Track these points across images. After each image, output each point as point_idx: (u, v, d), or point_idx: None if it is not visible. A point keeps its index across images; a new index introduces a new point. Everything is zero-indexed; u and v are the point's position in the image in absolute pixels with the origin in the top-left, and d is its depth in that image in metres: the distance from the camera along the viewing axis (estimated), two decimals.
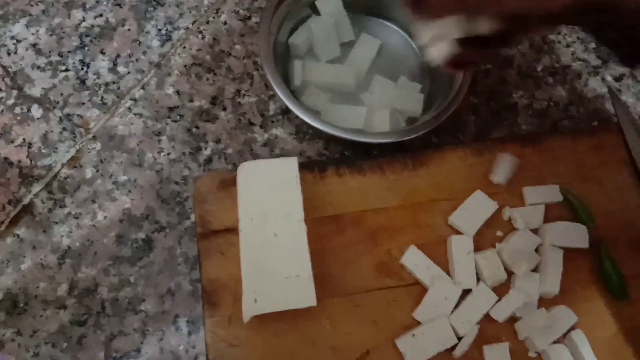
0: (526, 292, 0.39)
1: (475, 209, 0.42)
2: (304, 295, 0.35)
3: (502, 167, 0.43)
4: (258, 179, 0.37)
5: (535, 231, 0.42)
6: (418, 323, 0.39)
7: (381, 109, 0.44)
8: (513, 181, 0.43)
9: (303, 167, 0.42)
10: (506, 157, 0.43)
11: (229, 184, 0.41)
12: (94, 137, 0.45)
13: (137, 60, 0.47)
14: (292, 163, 0.38)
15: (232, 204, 0.40)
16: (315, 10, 0.47)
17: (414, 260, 0.40)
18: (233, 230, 0.39)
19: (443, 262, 0.41)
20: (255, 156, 0.45)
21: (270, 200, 0.37)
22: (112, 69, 0.47)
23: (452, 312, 0.39)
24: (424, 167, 0.44)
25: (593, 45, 0.53)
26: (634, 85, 0.52)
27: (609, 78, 0.52)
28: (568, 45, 0.52)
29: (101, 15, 0.49)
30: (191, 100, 0.46)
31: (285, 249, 0.36)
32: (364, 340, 0.39)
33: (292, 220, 0.37)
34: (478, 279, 0.40)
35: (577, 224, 0.42)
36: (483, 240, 0.42)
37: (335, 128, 0.41)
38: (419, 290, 0.40)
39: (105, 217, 0.42)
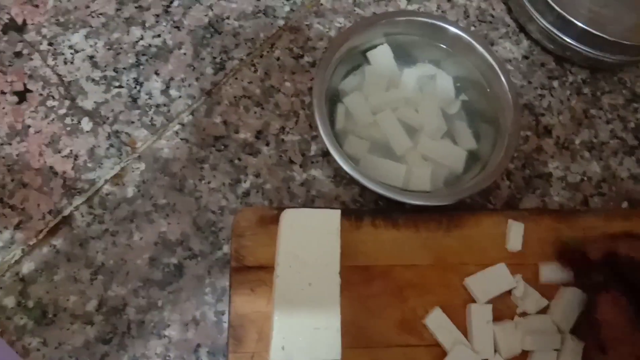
0: None
1: (494, 280, 0.42)
2: (331, 348, 0.36)
3: (513, 235, 0.44)
4: (300, 226, 0.38)
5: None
6: None
7: (422, 166, 0.45)
8: (542, 253, 0.44)
9: (341, 213, 0.43)
10: (513, 224, 0.44)
11: (267, 221, 0.42)
12: (139, 157, 0.46)
13: (189, 85, 0.48)
14: (335, 215, 0.39)
15: (268, 241, 0.41)
16: (368, 60, 0.48)
17: (438, 323, 0.41)
18: (266, 269, 0.40)
19: (465, 326, 0.41)
20: (292, 195, 0.46)
21: (309, 249, 0.37)
22: (164, 91, 0.48)
23: None
24: (457, 229, 0.44)
25: (632, 125, 0.54)
26: None
27: None
28: (608, 122, 0.53)
29: (159, 35, 0.50)
30: (237, 132, 0.47)
31: (317, 299, 0.37)
32: None
33: (328, 271, 0.37)
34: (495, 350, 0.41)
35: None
36: (504, 308, 0.42)
37: (372, 182, 0.42)
38: (438, 352, 0.41)
39: (141, 238, 0.43)
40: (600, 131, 0.53)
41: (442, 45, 0.49)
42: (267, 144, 0.47)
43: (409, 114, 0.47)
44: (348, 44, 0.46)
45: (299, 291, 0.37)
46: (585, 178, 0.51)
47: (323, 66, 0.44)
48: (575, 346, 0.41)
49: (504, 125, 0.46)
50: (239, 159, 0.47)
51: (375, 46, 0.48)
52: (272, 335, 0.36)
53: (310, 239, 0.38)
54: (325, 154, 0.48)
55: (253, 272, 0.41)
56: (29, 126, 0.45)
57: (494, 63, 0.47)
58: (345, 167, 0.42)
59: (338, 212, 0.39)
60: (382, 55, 0.47)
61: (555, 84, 0.54)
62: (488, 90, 0.48)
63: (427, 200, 0.42)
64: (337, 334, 0.36)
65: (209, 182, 0.45)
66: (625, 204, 0.50)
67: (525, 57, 0.55)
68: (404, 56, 0.48)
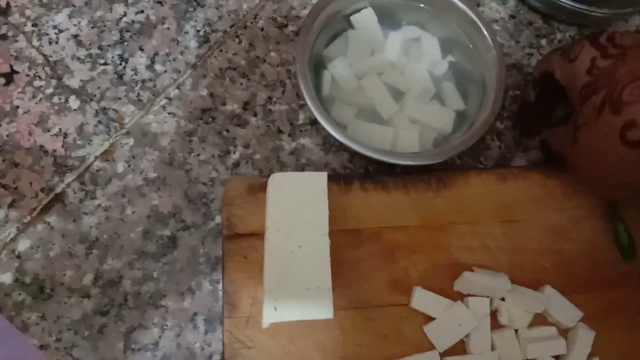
0: None
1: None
2: (323, 308, 0.36)
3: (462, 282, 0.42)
4: (288, 190, 0.38)
5: None
6: (427, 341, 0.40)
7: (410, 128, 0.45)
8: (533, 209, 0.44)
9: (330, 179, 0.43)
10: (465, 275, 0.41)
11: (256, 189, 0.42)
12: (128, 133, 0.46)
13: (174, 59, 0.49)
14: (322, 177, 0.39)
15: (258, 209, 0.41)
16: (351, 24, 0.48)
17: (424, 302, 0.41)
18: (257, 235, 0.40)
19: (450, 285, 0.42)
20: (282, 164, 0.46)
21: (297, 212, 0.38)
22: (150, 67, 0.48)
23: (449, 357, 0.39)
24: (447, 189, 0.45)
25: None
26: None
27: None
28: None
29: (142, 11, 0.50)
30: (224, 104, 0.47)
31: (308, 261, 0.37)
32: (373, 354, 0.40)
33: (317, 233, 0.38)
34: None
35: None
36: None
37: (362, 146, 0.42)
38: None
39: (133, 212, 0.44)
40: None
41: (426, 7, 0.49)
42: (255, 115, 0.47)
43: (395, 77, 0.47)
44: (330, 8, 0.45)
45: (289, 253, 0.37)
46: None
47: (304, 32, 0.44)
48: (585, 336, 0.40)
49: (491, 84, 0.46)
50: (227, 131, 0.47)
51: (358, 10, 0.47)
52: (264, 297, 0.36)
53: (298, 202, 0.38)
54: (314, 122, 0.48)
55: (245, 239, 0.41)
56: (17, 107, 0.46)
57: (479, 22, 0.47)
58: (333, 133, 0.42)
59: (324, 175, 0.39)
60: (366, 19, 0.47)
61: (544, 42, 0.54)
62: (474, 50, 0.48)
63: (414, 160, 0.42)
64: (328, 294, 0.37)
65: (198, 155, 0.46)
66: None
67: (512, 17, 0.54)
68: (388, 19, 0.48)
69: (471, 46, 0.47)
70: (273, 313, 0.36)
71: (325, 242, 0.37)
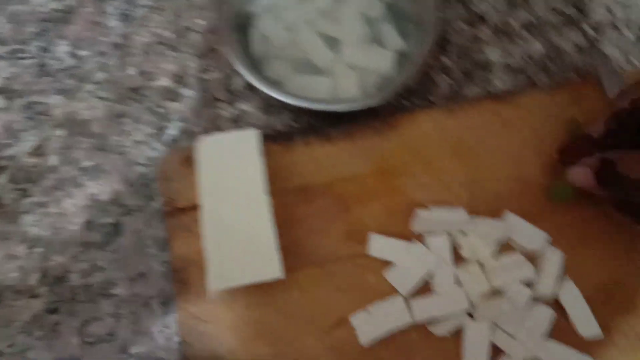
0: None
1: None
2: (270, 268, 0.35)
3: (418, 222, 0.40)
4: (218, 153, 0.36)
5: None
6: (390, 287, 0.38)
7: (349, 75, 0.43)
8: (486, 138, 0.42)
9: (270, 138, 0.41)
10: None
11: (192, 161, 0.40)
12: (57, 124, 0.44)
13: (97, 42, 0.46)
14: (253, 135, 0.37)
15: (197, 181, 0.39)
16: None
17: (381, 248, 0.39)
18: (199, 207, 0.39)
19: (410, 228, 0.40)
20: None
21: (231, 173, 0.36)
22: (73, 54, 0.46)
23: (413, 299, 0.37)
24: (395, 132, 0.42)
25: None
26: (613, 34, 0.50)
27: (587, 29, 0.50)
28: None
29: None
30: (154, 80, 0.45)
31: (248, 223, 0.35)
32: (338, 308, 0.38)
33: (254, 192, 0.36)
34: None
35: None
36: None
37: (299, 99, 0.40)
38: None
39: (72, 204, 0.42)
40: (537, 8, 0.50)
41: None
42: (188, 86, 0.45)
43: (327, 25, 0.44)
44: None
45: (227, 217, 0.35)
46: (528, 58, 0.48)
47: None
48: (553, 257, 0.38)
49: (428, 19, 0.43)
50: (161, 107, 0.45)
51: None
52: (207, 265, 0.34)
53: (230, 164, 0.36)
54: (250, 85, 0.45)
55: (187, 213, 0.39)
56: None
57: None
58: (266, 90, 0.40)
59: (254, 132, 0.37)
60: None
61: None
62: None
63: (351, 105, 0.40)
64: (274, 252, 0.35)
65: (132, 136, 0.44)
66: (573, 77, 0.48)
67: None
68: None
69: None
70: (219, 280, 0.34)
71: (264, 201, 0.35)
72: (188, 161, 0.40)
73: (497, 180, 0.41)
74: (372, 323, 0.36)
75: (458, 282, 0.37)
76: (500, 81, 0.47)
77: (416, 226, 0.39)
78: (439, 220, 0.38)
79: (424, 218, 0.38)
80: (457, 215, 0.38)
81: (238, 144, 0.36)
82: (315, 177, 0.41)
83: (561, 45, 0.49)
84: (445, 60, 0.48)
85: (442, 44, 0.48)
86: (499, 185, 0.41)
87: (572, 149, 0.40)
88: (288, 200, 0.40)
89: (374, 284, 0.38)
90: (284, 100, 0.40)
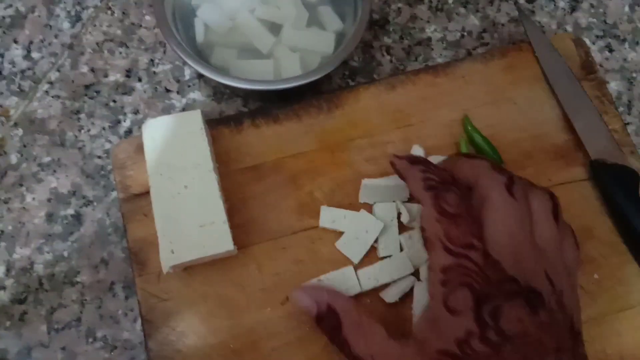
0: None
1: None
2: (221, 241, 0.36)
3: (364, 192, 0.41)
4: (163, 134, 0.38)
5: None
6: (344, 258, 0.40)
7: (290, 57, 0.45)
8: (426, 109, 0.44)
9: (219, 122, 0.43)
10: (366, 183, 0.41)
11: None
12: (15, 124, 0.45)
13: (49, 44, 0.48)
14: (196, 115, 0.39)
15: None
16: None
17: (331, 219, 0.40)
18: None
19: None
20: None
21: (177, 153, 0.38)
22: (26, 56, 0.48)
23: (363, 268, 0.39)
24: (339, 109, 0.44)
25: None
26: (546, 4, 0.52)
27: (521, 0, 0.52)
28: None
29: (11, 5, 0.49)
30: (106, 76, 0.47)
31: (197, 199, 0.37)
32: (292, 279, 0.40)
33: (201, 170, 0.37)
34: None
35: None
36: None
37: (242, 81, 0.42)
38: None
39: (33, 199, 0.43)
40: None
41: None
42: (140, 80, 0.47)
43: (268, 11, 0.46)
44: None
45: (176, 195, 0.37)
46: (465, 33, 0.51)
47: None
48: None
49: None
50: (114, 101, 0.46)
51: None
52: (159, 242, 0.36)
53: (176, 144, 0.38)
54: (200, 74, 0.47)
55: (142, 198, 0.41)
56: None
57: None
58: (212, 76, 0.42)
59: (198, 111, 0.39)
60: None
61: None
62: None
63: (294, 81, 0.41)
64: (224, 226, 0.37)
65: (88, 130, 0.45)
66: (510, 46, 0.50)
67: None
68: None
69: None
70: (170, 256, 0.36)
71: (212, 178, 0.37)
72: (140, 149, 0.41)
73: (437, 148, 0.43)
74: None
75: (401, 248, 0.40)
76: (439, 56, 0.49)
77: (364, 197, 0.41)
78: (383, 188, 0.40)
79: (369, 187, 0.40)
80: (399, 183, 0.40)
81: (183, 125, 0.38)
82: (266, 156, 0.43)
83: (496, 18, 0.51)
84: (387, 39, 0.50)
85: (383, 25, 0.50)
86: (439, 152, 0.43)
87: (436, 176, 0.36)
88: (241, 180, 0.42)
89: (327, 255, 0.40)
90: (229, 84, 0.42)
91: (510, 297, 0.29)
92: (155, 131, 0.38)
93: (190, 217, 0.36)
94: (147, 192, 0.40)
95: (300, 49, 0.46)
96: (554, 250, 0.31)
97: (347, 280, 0.39)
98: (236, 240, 0.38)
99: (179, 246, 0.36)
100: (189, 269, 0.39)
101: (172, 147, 0.38)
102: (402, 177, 0.35)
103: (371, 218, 0.40)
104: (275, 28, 0.46)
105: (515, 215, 0.31)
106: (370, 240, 0.40)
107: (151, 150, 0.37)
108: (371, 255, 0.40)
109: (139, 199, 0.41)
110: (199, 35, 0.45)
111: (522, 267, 0.30)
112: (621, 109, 0.49)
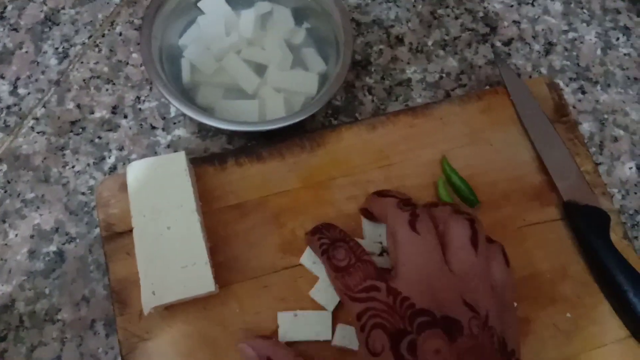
0: None
1: None
2: (203, 282, 0.37)
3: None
4: (147, 176, 0.38)
5: None
6: None
7: (275, 97, 0.46)
8: (406, 149, 0.46)
9: (203, 161, 0.44)
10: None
11: None
12: (0, 160, 0.46)
13: (36, 80, 0.49)
14: (180, 157, 0.39)
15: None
16: (201, 10, 0.48)
17: (312, 260, 0.41)
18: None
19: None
20: None
21: (160, 195, 0.38)
22: (13, 92, 0.48)
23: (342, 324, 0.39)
24: (321, 148, 0.46)
25: (481, 14, 0.55)
26: (522, 47, 0.54)
27: (498, 43, 0.54)
28: (457, 17, 0.55)
29: None
30: (92, 112, 0.48)
31: (179, 240, 0.37)
32: (273, 318, 0.40)
33: (184, 211, 0.38)
34: None
35: None
36: None
37: (227, 122, 0.42)
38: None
39: (16, 235, 0.44)
40: (450, 28, 0.54)
41: None
42: (125, 117, 0.48)
43: (253, 52, 0.48)
44: None
45: (159, 237, 0.37)
46: (444, 74, 0.52)
47: (147, 25, 0.44)
48: None
49: (342, 42, 0.47)
50: (99, 137, 0.47)
51: None
52: (141, 283, 0.36)
53: (160, 185, 0.38)
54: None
55: (125, 236, 0.41)
56: None
57: None
58: (195, 117, 0.42)
59: (182, 153, 0.40)
60: (213, 3, 0.48)
61: None
62: (324, 13, 0.48)
63: (278, 123, 0.43)
64: (206, 267, 0.37)
65: (73, 167, 0.46)
66: (487, 89, 0.52)
67: None
68: None
69: (320, 10, 0.48)
70: (152, 297, 0.36)
71: (195, 219, 0.38)
72: (124, 187, 0.42)
73: (418, 187, 0.45)
74: (295, 326, 0.39)
75: None
76: (419, 97, 0.51)
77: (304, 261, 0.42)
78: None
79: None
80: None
81: (166, 166, 0.39)
82: (249, 195, 0.43)
83: (474, 60, 0.53)
84: (368, 80, 0.51)
85: (365, 65, 0.52)
86: (418, 191, 0.44)
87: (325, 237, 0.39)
88: (224, 219, 0.42)
89: (308, 294, 0.41)
90: (214, 125, 0.43)
91: (424, 329, 0.30)
92: (139, 172, 0.38)
93: (172, 258, 0.37)
94: (131, 231, 0.41)
95: (284, 89, 0.47)
96: (475, 275, 0.33)
97: (321, 323, 0.39)
98: (218, 278, 0.38)
99: (161, 287, 0.36)
100: (170, 308, 0.39)
101: (156, 189, 0.38)
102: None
103: None
104: (260, 69, 0.48)
105: (420, 250, 0.33)
106: None
107: (135, 192, 0.38)
108: None
109: (122, 238, 0.41)
110: (185, 74, 0.47)
111: (436, 298, 0.31)
112: (593, 149, 0.50)
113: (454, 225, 0.34)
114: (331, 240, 0.36)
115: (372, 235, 0.42)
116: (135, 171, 0.39)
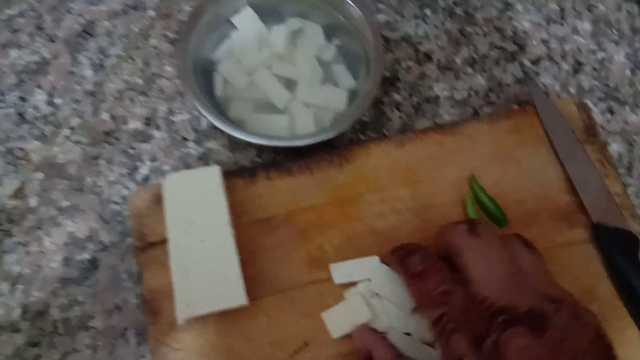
0: None
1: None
2: (235, 296, 0.37)
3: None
4: (182, 189, 0.39)
5: None
6: None
7: (305, 113, 0.47)
8: (434, 167, 0.46)
9: (234, 174, 0.45)
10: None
11: (162, 197, 0.43)
12: (36, 168, 0.47)
13: (72, 90, 0.50)
14: (215, 171, 0.40)
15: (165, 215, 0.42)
16: (234, 25, 0.49)
17: (343, 273, 0.42)
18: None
19: (372, 251, 0.43)
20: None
21: (195, 208, 0.39)
22: (49, 102, 0.49)
23: None
24: (350, 163, 0.46)
25: (510, 32, 0.55)
26: (550, 66, 0.54)
27: (526, 62, 0.54)
28: (485, 35, 0.55)
29: (36, 52, 0.51)
30: (125, 123, 0.49)
31: (212, 253, 0.38)
32: (301, 333, 0.41)
33: (218, 225, 0.39)
34: None
35: None
36: None
37: (259, 137, 0.43)
38: None
39: (51, 242, 0.45)
40: (479, 45, 0.55)
41: None
42: (158, 128, 0.49)
43: (284, 68, 0.48)
44: (209, 14, 0.47)
45: (193, 249, 0.38)
46: (472, 92, 0.53)
47: (183, 39, 0.45)
48: None
49: (372, 59, 0.47)
50: (133, 148, 0.48)
51: (238, 11, 0.49)
52: (175, 295, 0.37)
53: (194, 199, 0.39)
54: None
55: (158, 247, 0.42)
56: None
57: (352, 4, 0.48)
58: (228, 130, 0.43)
59: (217, 168, 0.41)
60: (246, 19, 0.49)
61: (428, 11, 0.56)
62: (355, 30, 0.49)
63: (309, 139, 0.43)
64: (238, 281, 0.38)
65: (107, 176, 0.47)
66: (515, 107, 0.52)
67: None
68: (270, 14, 0.50)
69: (351, 27, 0.49)
70: (185, 309, 0.37)
71: (228, 233, 0.39)
72: (158, 198, 0.43)
73: (444, 205, 0.45)
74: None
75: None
76: (447, 114, 0.51)
77: (336, 278, 0.42)
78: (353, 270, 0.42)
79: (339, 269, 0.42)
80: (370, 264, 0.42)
81: (202, 180, 0.40)
82: (277, 209, 0.44)
83: (502, 79, 0.53)
84: (396, 96, 0.52)
85: (393, 82, 0.52)
86: (445, 209, 0.45)
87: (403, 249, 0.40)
88: (252, 232, 0.43)
89: None
90: (243, 139, 0.43)
91: (507, 328, 0.29)
92: (175, 185, 0.39)
93: (205, 271, 0.38)
94: (164, 241, 0.42)
95: (314, 105, 0.47)
96: (544, 271, 0.34)
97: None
98: (247, 291, 0.39)
99: (194, 299, 0.37)
100: (200, 319, 0.40)
101: (191, 202, 0.39)
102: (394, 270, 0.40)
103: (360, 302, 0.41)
104: (290, 84, 0.48)
105: (487, 253, 0.34)
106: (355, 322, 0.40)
107: (170, 204, 0.39)
108: None
109: (155, 248, 0.42)
110: (218, 89, 0.47)
111: (515, 294, 0.31)
112: (621, 170, 0.50)
113: (505, 236, 0.36)
114: (406, 251, 0.37)
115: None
116: (171, 183, 0.39)
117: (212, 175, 0.40)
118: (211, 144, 0.49)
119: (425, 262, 0.35)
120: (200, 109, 0.43)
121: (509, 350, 0.28)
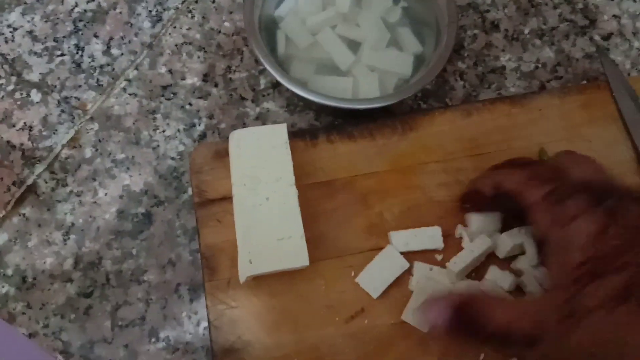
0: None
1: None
2: (297, 256, 0.37)
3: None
4: (249, 145, 0.38)
5: None
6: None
7: (369, 76, 0.45)
8: (500, 139, 0.44)
9: (295, 135, 0.43)
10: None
11: (223, 154, 0.42)
12: (92, 118, 0.46)
13: (129, 42, 0.49)
14: (282, 129, 0.39)
15: (226, 173, 0.41)
16: None
17: (405, 242, 0.41)
18: (229, 199, 0.40)
19: (433, 221, 0.42)
20: None
21: (261, 165, 0.38)
22: (106, 52, 0.48)
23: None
24: (413, 131, 0.45)
25: (580, 6, 0.53)
26: (622, 43, 0.52)
27: (596, 37, 0.52)
28: (555, 7, 0.53)
29: (93, 0, 0.50)
30: (183, 79, 0.48)
31: (277, 212, 0.37)
32: (357, 299, 0.40)
33: (283, 184, 0.38)
34: None
35: None
36: None
37: (323, 97, 0.42)
38: None
39: (105, 194, 0.44)
40: (548, 17, 0.52)
41: None
42: (216, 85, 0.48)
43: (349, 29, 0.47)
44: None
45: (257, 206, 0.37)
46: (540, 65, 0.50)
47: None
48: None
49: (443, 24, 0.45)
50: (190, 104, 0.47)
51: None
52: (238, 252, 0.36)
53: (260, 156, 0.38)
54: (275, 85, 0.48)
55: (216, 204, 0.41)
56: None
57: None
58: (293, 88, 0.42)
59: (284, 126, 0.39)
60: None
61: None
62: None
63: (371, 103, 0.42)
64: (301, 241, 0.37)
65: (163, 131, 0.46)
66: (584, 83, 0.50)
67: None
68: None
69: None
70: (248, 266, 0.36)
71: (293, 192, 0.38)
72: (218, 155, 0.42)
73: None
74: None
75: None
76: (513, 86, 0.49)
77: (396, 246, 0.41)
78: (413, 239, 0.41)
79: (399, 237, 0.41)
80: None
81: (268, 137, 0.39)
82: (338, 173, 0.43)
83: (571, 53, 0.51)
84: (461, 65, 0.50)
85: (458, 50, 0.50)
86: None
87: (471, 197, 0.41)
88: (313, 195, 0.42)
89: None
90: (309, 98, 0.42)
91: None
92: (241, 142, 0.38)
93: (269, 230, 0.37)
94: (223, 199, 0.41)
95: (378, 69, 0.46)
96: None
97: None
98: None
99: (257, 258, 0.36)
100: (257, 279, 0.39)
101: (257, 159, 0.38)
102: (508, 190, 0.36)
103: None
104: (354, 46, 0.47)
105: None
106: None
107: (236, 161, 0.38)
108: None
109: (213, 205, 0.41)
110: (281, 46, 0.46)
111: None
112: None
113: None
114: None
115: (481, 228, 0.40)
116: (237, 140, 0.38)
117: (279, 133, 0.39)
118: (269, 105, 0.47)
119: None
120: (266, 65, 0.42)
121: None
